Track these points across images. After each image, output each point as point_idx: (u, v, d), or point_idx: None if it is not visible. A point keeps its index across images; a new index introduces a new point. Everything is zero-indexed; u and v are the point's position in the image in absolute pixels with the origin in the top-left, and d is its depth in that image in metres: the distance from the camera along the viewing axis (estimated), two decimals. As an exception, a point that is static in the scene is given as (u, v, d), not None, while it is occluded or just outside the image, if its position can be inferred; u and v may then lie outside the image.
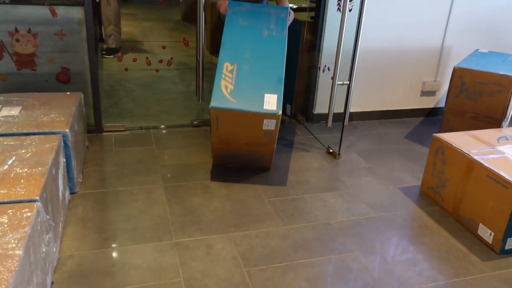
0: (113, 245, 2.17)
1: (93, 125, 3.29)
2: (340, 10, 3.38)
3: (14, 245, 1.49)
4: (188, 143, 3.28)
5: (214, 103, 2.50)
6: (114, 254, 2.11)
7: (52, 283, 1.90)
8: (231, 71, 2.62)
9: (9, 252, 1.46)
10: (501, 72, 3.09)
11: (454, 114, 3.32)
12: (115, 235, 2.24)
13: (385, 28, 3.64)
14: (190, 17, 7.16)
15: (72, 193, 2.54)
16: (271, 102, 2.54)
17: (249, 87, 2.59)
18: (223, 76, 2.60)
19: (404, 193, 2.82)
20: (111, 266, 2.03)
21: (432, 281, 2.08)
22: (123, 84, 4.30)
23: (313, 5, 3.63)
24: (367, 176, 3.01)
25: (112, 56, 5.09)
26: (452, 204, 2.57)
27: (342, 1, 2.97)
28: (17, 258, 1.44)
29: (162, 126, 3.52)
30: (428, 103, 4.09)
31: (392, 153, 3.37)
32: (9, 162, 2.01)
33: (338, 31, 2.89)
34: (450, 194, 2.58)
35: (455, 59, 3.80)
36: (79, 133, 2.76)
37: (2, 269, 1.38)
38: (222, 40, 2.72)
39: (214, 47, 3.30)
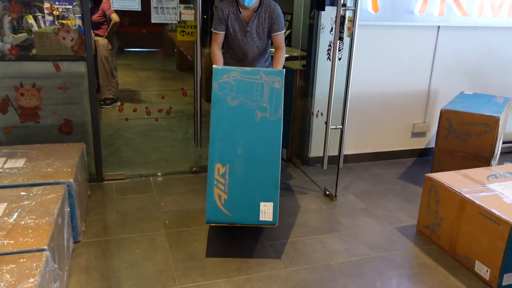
0: (118, 293, 2.19)
1: (94, 174, 3.36)
2: (329, 59, 3.56)
3: (25, 294, 1.53)
4: (188, 189, 3.35)
5: (210, 217, 2.43)
6: (119, 302, 2.13)
7: (58, 333, 1.91)
8: (223, 175, 2.45)
9: (21, 302, 1.50)
10: (486, 113, 3.24)
11: (445, 154, 3.44)
12: (119, 282, 2.27)
13: (374, 74, 3.82)
14: (185, 66, 7.39)
15: (75, 242, 2.58)
16: (267, 212, 2.46)
17: (243, 196, 2.45)
18: (215, 182, 2.44)
19: (401, 233, 2.88)
20: (116, 314, 2.05)
21: (433, 319, 2.12)
22: (122, 133, 4.41)
23: (304, 53, 3.81)
24: (364, 216, 3.08)
25: (110, 106, 5.23)
26: (448, 242, 2.63)
27: (332, 51, 3.15)
28: (29, 307, 1.48)
29: (162, 173, 3.60)
30: (419, 144, 4.22)
31: (387, 193, 3.45)
32: (17, 213, 2.07)
33: (329, 79, 3.04)
34: (445, 233, 2.65)
35: (442, 101, 3.96)
36: (82, 182, 2.83)
37: (15, 318, 1.42)
38: (211, 129, 2.48)
39: (210, 94, 3.46)
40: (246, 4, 2.86)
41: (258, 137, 2.47)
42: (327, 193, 3.35)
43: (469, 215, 2.47)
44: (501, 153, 4.02)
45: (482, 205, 2.40)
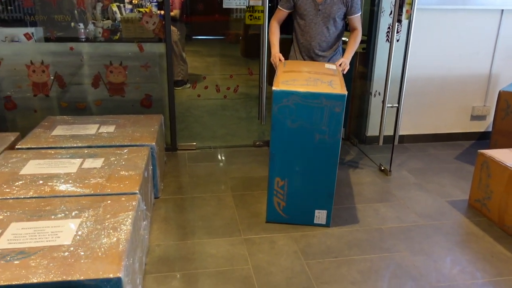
0: (192, 238, 2.55)
1: (169, 144, 3.78)
2: (388, 41, 3.71)
3: (126, 221, 1.91)
4: (251, 160, 3.68)
5: (269, 218, 2.70)
6: (193, 245, 2.49)
7: (145, 264, 2.30)
8: (282, 187, 2.61)
9: (123, 226, 1.88)
10: (546, 94, 3.28)
11: (502, 135, 3.50)
12: (193, 231, 2.63)
13: (433, 57, 3.92)
14: (249, 53, 7.73)
15: (155, 197, 2.98)
16: (321, 217, 2.67)
17: (300, 204, 2.65)
18: (274, 192, 2.63)
19: (452, 206, 3.03)
20: (191, 254, 2.41)
21: (476, 278, 2.29)
22: (192, 111, 4.82)
23: (365, 37, 3.99)
24: (417, 190, 3.24)
25: (180, 87, 5.68)
26: (497, 214, 2.76)
27: (390, 33, 3.31)
28: (129, 230, 1.86)
29: (228, 146, 3.95)
30: (478, 127, 4.27)
31: (441, 171, 3.58)
32: (113, 166, 2.48)
33: (387, 59, 3.22)
34: (495, 205, 2.77)
35: (503, 85, 3.98)
36: (161, 148, 3.23)
37: (119, 236, 1.80)
38: (271, 149, 2.55)
39: (270, 79, 3.76)
40: None
41: (315, 156, 2.53)
42: (382, 168, 3.54)
43: (519, 188, 2.58)
44: None
45: (532, 178, 2.51)
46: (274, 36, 3.05)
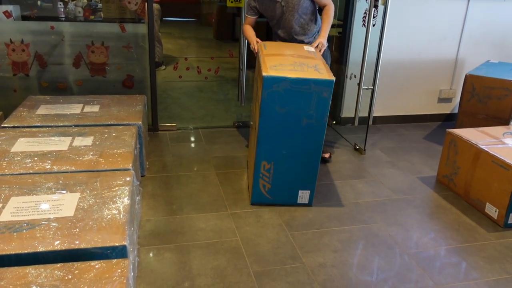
0: (181, 214, 2.66)
1: (150, 124, 3.83)
2: (365, 26, 3.87)
3: (123, 195, 2.00)
4: (232, 140, 3.79)
5: (254, 199, 2.78)
6: (182, 220, 2.60)
7: (138, 238, 2.39)
8: (268, 170, 2.68)
9: (121, 199, 1.97)
10: (508, 78, 3.53)
11: (467, 116, 3.75)
12: (181, 207, 2.74)
13: (405, 41, 4.11)
14: (222, 35, 7.76)
15: (141, 175, 3.06)
16: (304, 197, 2.78)
17: (284, 185, 2.74)
18: (261, 175, 2.70)
19: (422, 181, 3.25)
20: (181, 228, 2.53)
21: (445, 245, 2.51)
22: (170, 93, 4.86)
23: (340, 22, 4.14)
24: (390, 168, 3.45)
25: (156, 69, 5.68)
26: (463, 188, 2.99)
27: (367, 18, 3.47)
28: (127, 202, 1.95)
29: (208, 126, 4.04)
30: (445, 109, 4.52)
31: (412, 150, 3.81)
32: (103, 144, 2.54)
33: (363, 44, 3.38)
34: (461, 180, 3.01)
35: (469, 69, 4.21)
36: (145, 128, 3.29)
37: (119, 207, 1.89)
38: (259, 132, 2.59)
39: (249, 62, 3.85)
40: None
41: (302, 139, 2.61)
42: (357, 147, 3.73)
43: (483, 164, 2.82)
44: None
45: (495, 154, 2.74)
46: (249, 31, 3.11)
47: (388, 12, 3.36)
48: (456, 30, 4.23)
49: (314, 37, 3.12)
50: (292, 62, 2.62)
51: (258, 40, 3.06)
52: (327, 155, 3.42)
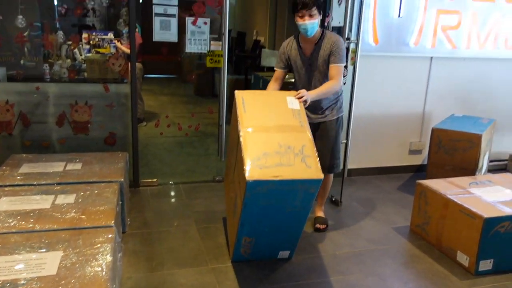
0: (162, 270, 2.69)
1: (131, 180, 3.90)
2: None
3: (106, 252, 2.05)
4: (212, 194, 3.87)
5: (235, 258, 2.78)
6: (164, 276, 2.63)
7: (119, 295, 2.41)
8: (249, 242, 2.68)
9: (103, 256, 2.01)
10: (470, 131, 3.76)
11: (436, 167, 3.94)
12: (162, 263, 2.77)
13: (375, 97, 4.36)
14: (202, 92, 8.02)
15: (123, 232, 3.09)
16: (284, 255, 2.84)
17: (265, 251, 2.77)
18: (242, 246, 2.70)
19: (396, 232, 3.37)
20: (162, 284, 2.55)
21: (420, 294, 2.59)
22: (151, 149, 4.97)
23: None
24: (365, 219, 3.56)
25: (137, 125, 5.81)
26: (435, 237, 3.11)
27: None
28: (109, 259, 1.99)
29: (189, 182, 4.12)
30: (416, 160, 4.73)
31: (386, 201, 3.94)
32: (85, 201, 2.60)
33: (336, 100, 3.59)
34: (433, 229, 3.13)
35: (435, 122, 4.47)
36: (127, 185, 3.36)
37: (101, 265, 1.94)
38: (241, 219, 2.48)
39: (227, 118, 4.02)
40: (308, 34, 2.91)
41: (285, 221, 2.56)
42: (333, 199, 3.85)
43: (452, 213, 2.96)
44: (489, 170, 4.51)
45: (462, 204, 2.89)
46: (271, 87, 3.10)
47: (357, 70, 3.61)
48: (422, 86, 4.52)
49: (330, 105, 3.11)
50: (277, 147, 2.44)
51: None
52: (323, 227, 3.32)
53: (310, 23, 2.87)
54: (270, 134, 2.52)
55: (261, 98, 2.80)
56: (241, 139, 2.47)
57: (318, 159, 2.44)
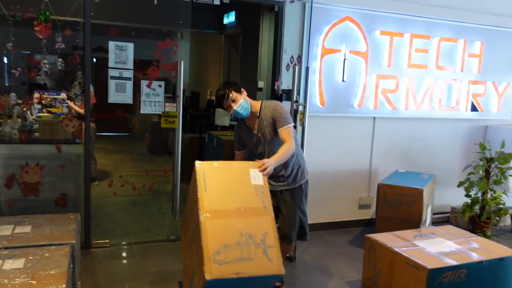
0: (114, 335, 2.61)
1: (83, 242, 3.80)
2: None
3: (57, 319, 1.99)
4: (167, 254, 3.83)
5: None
6: None
7: None
8: None
9: (55, 323, 1.96)
10: (412, 186, 4.01)
11: (383, 221, 4.13)
12: (114, 327, 2.69)
13: (324, 155, 4.58)
14: (156, 149, 8.03)
15: (73, 297, 2.98)
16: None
17: None
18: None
19: (349, 286, 3.46)
20: None
21: None
22: (102, 209, 4.88)
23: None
24: (319, 274, 3.64)
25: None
26: (385, 289, 3.22)
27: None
28: (62, 327, 1.94)
29: (142, 241, 4.07)
30: (365, 214, 4.92)
31: (338, 255, 4.05)
32: (35, 266, 2.53)
33: (287, 158, 3.76)
34: (383, 282, 3.25)
35: (382, 178, 4.73)
36: (78, 247, 3.28)
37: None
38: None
39: (183, 176, 4.06)
40: (245, 115, 3.02)
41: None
42: (288, 255, 3.91)
43: (399, 265, 3.10)
44: (433, 223, 4.76)
45: (408, 256, 3.04)
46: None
47: (306, 131, 3.82)
48: (367, 144, 4.81)
49: (292, 171, 3.12)
50: (239, 237, 2.38)
51: None
52: (278, 284, 3.32)
53: (238, 106, 2.95)
54: (231, 220, 2.44)
55: (223, 173, 2.66)
56: (201, 225, 2.39)
57: (279, 248, 2.43)
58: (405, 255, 3.07)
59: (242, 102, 2.97)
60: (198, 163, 2.65)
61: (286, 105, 4.20)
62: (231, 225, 2.41)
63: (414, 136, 5.01)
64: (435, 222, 4.90)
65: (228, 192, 2.55)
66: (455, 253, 3.15)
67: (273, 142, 3.03)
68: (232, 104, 2.95)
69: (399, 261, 3.10)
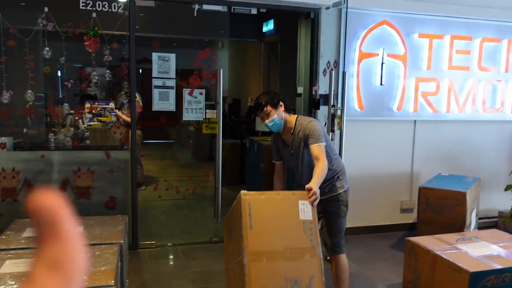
0: (159, 330, 2.75)
1: (131, 243, 4.00)
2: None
3: (107, 310, 2.15)
4: (209, 255, 3.96)
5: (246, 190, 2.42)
6: (161, 336, 2.69)
7: None
8: None
9: (105, 314, 2.11)
10: (456, 189, 3.94)
11: (425, 224, 4.07)
12: (159, 323, 2.83)
13: (363, 159, 4.58)
14: (199, 156, 8.25)
15: (121, 294, 3.16)
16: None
17: None
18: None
19: (389, 289, 3.45)
20: None
21: None
22: (149, 212, 5.10)
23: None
24: (359, 277, 3.65)
25: (137, 189, 5.98)
26: (426, 293, 3.19)
27: (327, 140, 3.95)
28: (111, 318, 2.09)
29: (186, 243, 4.23)
30: (407, 218, 4.86)
31: (379, 259, 4.04)
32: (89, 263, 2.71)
33: (325, 162, 3.80)
34: (424, 285, 3.22)
35: (424, 181, 4.66)
36: (126, 246, 3.47)
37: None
38: None
39: (224, 180, 4.20)
40: (275, 130, 3.02)
41: None
42: (328, 258, 3.94)
43: (440, 268, 3.07)
44: (480, 228, 4.63)
45: (449, 259, 3.01)
46: (276, 186, 3.13)
47: (344, 135, 3.85)
48: (408, 147, 4.76)
49: (330, 183, 3.04)
50: (283, 283, 2.29)
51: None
52: None
53: (270, 121, 2.91)
54: (277, 264, 2.31)
55: (270, 206, 2.46)
56: (245, 269, 2.25)
57: None
58: (446, 258, 3.03)
59: (275, 118, 2.93)
60: (244, 194, 2.40)
61: (323, 110, 4.27)
62: (276, 270, 2.28)
63: (458, 139, 4.91)
64: (482, 227, 4.76)
65: (274, 230, 2.38)
66: (499, 256, 3.07)
67: (305, 160, 2.98)
68: (265, 117, 2.94)
69: (440, 264, 3.07)
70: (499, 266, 2.92)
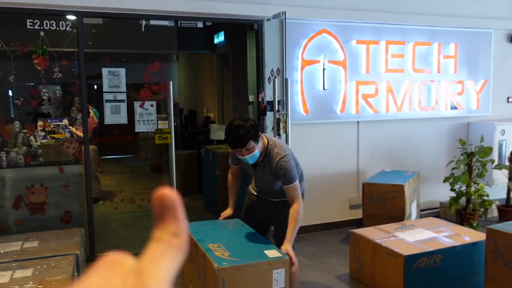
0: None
1: (88, 255, 4.06)
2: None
3: (62, 314, 2.25)
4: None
5: (219, 264, 2.31)
6: None
7: None
8: (219, 247, 2.52)
9: (60, 318, 2.22)
10: (395, 183, 4.25)
11: (370, 218, 4.36)
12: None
13: (312, 160, 4.84)
14: (158, 168, 8.32)
15: (79, 303, 3.24)
16: (273, 253, 2.48)
17: (246, 249, 2.57)
18: (213, 251, 2.47)
19: (338, 279, 3.68)
20: None
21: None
22: (108, 226, 5.15)
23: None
24: (310, 271, 3.87)
25: (94, 205, 6.00)
26: (370, 279, 3.45)
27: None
28: (67, 320, 2.20)
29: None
30: (356, 214, 5.14)
31: (330, 253, 4.28)
32: (42, 274, 2.79)
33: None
34: (367, 272, 3.47)
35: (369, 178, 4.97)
36: (83, 259, 3.55)
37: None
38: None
39: (183, 190, 4.34)
40: (250, 163, 2.79)
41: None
42: (281, 256, 4.14)
43: (379, 255, 3.33)
44: (420, 218, 4.97)
45: (387, 245, 3.28)
46: (230, 190, 3.13)
47: (290, 137, 4.09)
48: (353, 147, 5.06)
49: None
50: None
51: (225, 213, 3.06)
52: None
53: (250, 156, 2.71)
54: None
55: (244, 281, 2.41)
56: None
57: None
58: (385, 245, 3.30)
59: (255, 152, 2.71)
60: (217, 269, 2.30)
61: (270, 116, 4.50)
62: None
63: (398, 137, 5.26)
64: (425, 217, 5.11)
65: None
66: (431, 240, 3.38)
67: (272, 184, 2.89)
68: (245, 152, 2.69)
69: (379, 251, 3.33)
70: (430, 249, 3.22)
